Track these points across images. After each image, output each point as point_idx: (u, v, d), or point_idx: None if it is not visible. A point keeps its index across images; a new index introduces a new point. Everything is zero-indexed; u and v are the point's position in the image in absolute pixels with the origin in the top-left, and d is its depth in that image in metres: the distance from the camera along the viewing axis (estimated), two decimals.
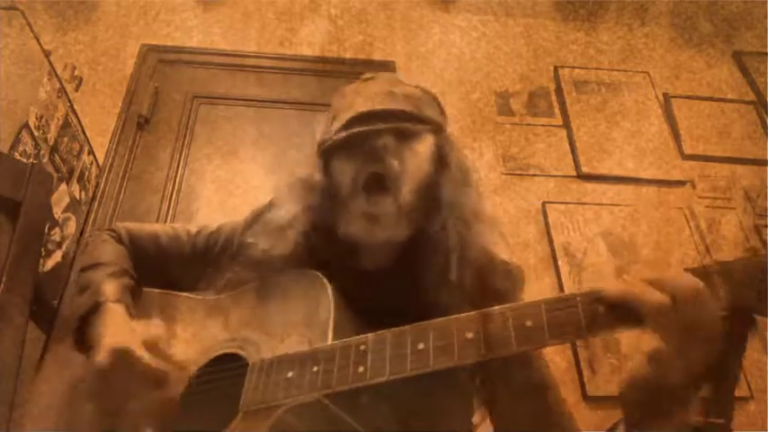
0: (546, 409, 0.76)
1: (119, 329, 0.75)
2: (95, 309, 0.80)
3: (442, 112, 0.87)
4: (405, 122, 0.78)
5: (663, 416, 0.51)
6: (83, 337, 0.79)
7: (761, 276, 0.49)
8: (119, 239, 0.96)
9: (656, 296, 0.50)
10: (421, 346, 0.59)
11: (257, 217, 0.91)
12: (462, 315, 0.59)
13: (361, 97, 0.80)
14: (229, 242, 0.93)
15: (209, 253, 0.93)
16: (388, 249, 0.81)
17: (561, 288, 1.94)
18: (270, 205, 0.90)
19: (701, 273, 0.52)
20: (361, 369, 0.60)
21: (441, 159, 0.82)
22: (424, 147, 0.80)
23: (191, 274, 0.92)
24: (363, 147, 0.76)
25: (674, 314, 0.49)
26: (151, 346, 0.71)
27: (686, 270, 0.53)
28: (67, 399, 0.80)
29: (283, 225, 0.81)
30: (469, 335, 0.57)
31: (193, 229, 0.97)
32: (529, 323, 0.55)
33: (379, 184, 0.76)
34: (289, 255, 0.80)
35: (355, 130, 0.76)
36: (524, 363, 0.78)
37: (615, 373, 1.76)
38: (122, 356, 0.69)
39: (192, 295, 0.88)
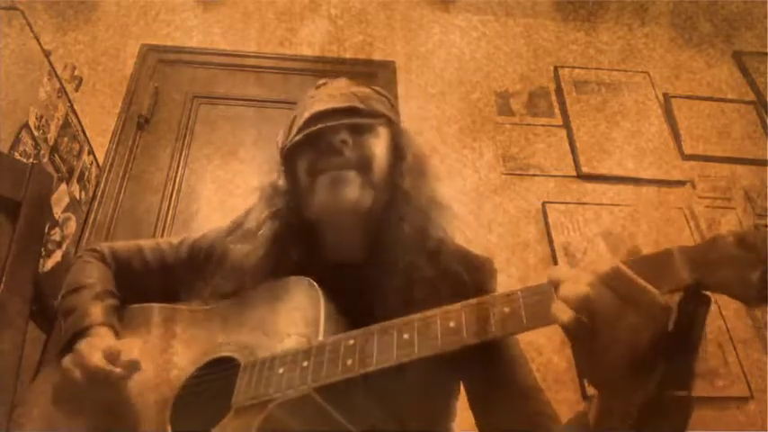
0: (531, 411, 0.78)
1: (95, 343, 0.78)
2: (83, 332, 0.82)
3: (393, 108, 0.91)
4: (358, 117, 0.83)
5: (625, 390, 0.53)
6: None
7: (716, 256, 0.52)
8: (102, 259, 0.97)
9: (568, 314, 0.51)
10: (406, 336, 0.62)
11: (237, 224, 0.94)
12: (447, 306, 0.62)
13: (316, 100, 0.85)
14: (213, 249, 0.94)
15: (194, 261, 0.95)
16: (355, 234, 0.84)
17: None
18: (249, 211, 0.93)
19: (664, 255, 0.54)
20: (349, 362, 0.63)
21: (396, 151, 0.87)
22: (379, 139, 0.84)
23: (177, 285, 0.93)
24: (321, 143, 0.80)
25: (588, 329, 0.51)
26: (110, 354, 0.75)
27: (647, 255, 0.55)
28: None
29: (253, 230, 0.85)
30: (452, 324, 0.60)
31: (175, 240, 0.99)
32: (507, 310, 0.58)
33: (340, 168, 0.80)
34: (263, 258, 0.82)
35: (313, 128, 0.80)
36: (507, 365, 0.81)
37: None
38: (77, 361, 0.75)
39: (184, 307, 0.89)
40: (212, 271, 0.90)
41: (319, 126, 0.80)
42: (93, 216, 1.92)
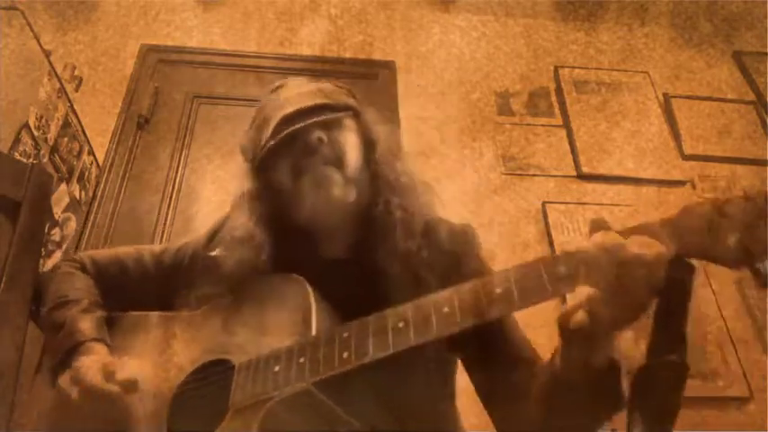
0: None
1: (92, 360, 0.78)
2: (75, 349, 0.81)
3: (356, 98, 0.92)
4: (328, 113, 0.83)
5: (594, 346, 0.57)
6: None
7: (695, 224, 0.54)
8: (83, 269, 0.96)
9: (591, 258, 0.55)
10: (401, 324, 0.62)
11: (215, 232, 0.94)
12: (439, 293, 0.63)
13: (281, 103, 0.85)
14: (195, 257, 0.94)
15: (176, 270, 0.94)
16: (345, 230, 0.85)
17: None
18: (225, 219, 0.93)
19: (647, 228, 0.56)
20: (345, 354, 0.63)
21: (367, 139, 0.87)
22: (350, 132, 0.85)
23: (160, 294, 0.92)
24: (297, 144, 0.81)
25: (602, 274, 0.54)
26: (107, 373, 0.74)
27: (634, 228, 0.57)
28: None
29: (242, 239, 0.84)
30: (446, 309, 0.60)
31: (157, 249, 0.99)
32: (498, 290, 0.59)
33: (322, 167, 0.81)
34: (254, 264, 0.82)
35: (288, 129, 0.80)
36: (502, 331, 0.81)
37: None
38: (77, 379, 0.74)
39: (172, 314, 0.89)
40: (199, 279, 0.89)
41: (294, 127, 0.80)
42: (93, 216, 1.92)
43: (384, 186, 0.84)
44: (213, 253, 0.88)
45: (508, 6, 2.67)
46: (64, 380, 0.78)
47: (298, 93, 0.86)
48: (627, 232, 0.56)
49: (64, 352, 0.82)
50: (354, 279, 0.80)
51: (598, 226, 0.58)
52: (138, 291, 0.94)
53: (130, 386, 0.75)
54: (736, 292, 1.97)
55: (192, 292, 0.87)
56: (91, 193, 1.95)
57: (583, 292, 0.55)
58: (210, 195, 2.04)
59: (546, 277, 0.57)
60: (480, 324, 0.59)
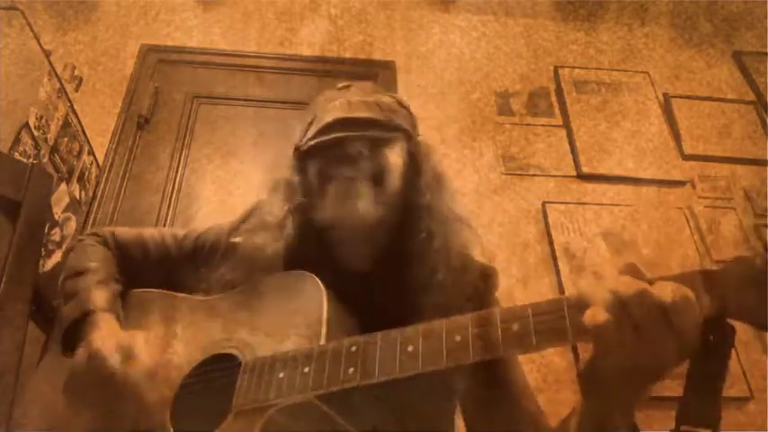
0: (534, 410, 0.78)
1: (106, 335, 0.77)
2: (85, 318, 0.81)
3: (413, 121, 0.90)
4: (377, 130, 0.81)
5: (613, 404, 0.54)
6: (72, 345, 0.79)
7: (743, 283, 0.48)
8: (104, 244, 0.96)
9: (603, 316, 0.50)
10: (410, 348, 0.60)
11: (244, 219, 0.93)
12: (452, 319, 0.60)
13: (338, 104, 0.83)
14: (218, 243, 0.93)
15: (197, 255, 0.94)
16: (367, 246, 0.83)
17: (561, 288, 1.93)
18: (255, 208, 0.92)
19: (687, 277, 0.51)
20: (351, 370, 0.62)
21: (414, 165, 0.85)
22: (396, 153, 0.83)
23: (179, 278, 0.92)
24: (337, 152, 0.79)
25: (615, 332, 0.49)
26: (126, 351, 0.73)
27: (669, 277, 0.52)
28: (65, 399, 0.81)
29: (274, 224, 0.83)
30: (458, 338, 0.58)
31: (180, 233, 0.98)
32: (515, 327, 0.56)
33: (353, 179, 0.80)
34: (280, 253, 0.81)
35: (331, 135, 0.79)
36: (505, 364, 0.81)
37: None
38: (93, 356, 0.73)
39: (189, 296, 0.88)
40: (217, 263, 0.88)
41: (340, 134, 0.79)
42: (93, 216, 1.92)
43: (426, 214, 0.83)
44: (235, 239, 0.87)
45: (508, 6, 2.67)
46: (80, 353, 0.76)
47: (355, 100, 0.84)
48: (661, 279, 0.52)
49: (72, 321, 0.81)
50: (374, 295, 0.79)
51: (631, 270, 0.52)
52: (156, 272, 0.94)
53: (143, 364, 0.73)
54: None
55: (210, 276, 0.86)
56: (91, 193, 1.95)
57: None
58: (210, 195, 2.04)
59: (568, 319, 0.53)
60: (489, 361, 0.57)
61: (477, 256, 0.87)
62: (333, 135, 0.79)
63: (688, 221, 2.13)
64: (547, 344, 0.54)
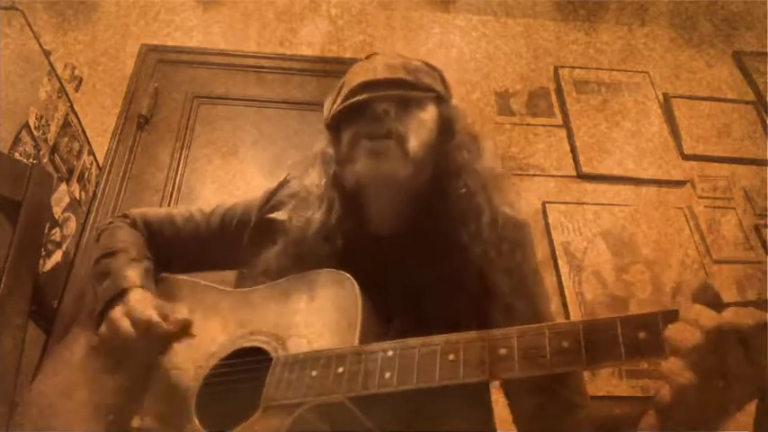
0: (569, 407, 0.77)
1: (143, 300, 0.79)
2: (121, 294, 0.81)
3: (445, 83, 0.90)
4: (404, 89, 0.81)
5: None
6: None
7: None
8: (134, 225, 0.96)
9: (695, 336, 0.48)
10: (451, 357, 0.59)
11: (274, 194, 0.93)
12: (495, 330, 0.58)
13: (363, 70, 0.84)
14: (246, 218, 0.93)
15: (224, 231, 0.94)
16: (396, 205, 0.83)
17: (561, 288, 1.93)
18: (284, 183, 0.93)
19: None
20: (387, 375, 0.60)
21: (446, 127, 0.85)
22: (427, 114, 0.83)
23: (210, 255, 0.93)
24: (365, 114, 0.79)
25: (704, 355, 0.47)
26: (162, 309, 0.76)
27: (746, 302, 0.49)
28: (66, 398, 0.80)
29: (319, 196, 0.84)
30: (503, 351, 0.56)
31: (207, 209, 0.98)
32: (566, 344, 0.53)
33: (380, 137, 0.80)
34: (325, 224, 0.82)
35: (356, 98, 0.79)
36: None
37: (615, 374, 1.76)
38: (128, 312, 0.76)
39: (221, 287, 0.88)
40: (257, 242, 0.88)
41: (364, 96, 0.79)
42: (93, 216, 1.92)
43: (464, 174, 0.83)
44: (277, 215, 0.87)
45: (508, 6, 2.67)
46: (117, 312, 0.77)
47: (384, 63, 0.84)
48: (734, 305, 0.49)
49: (108, 300, 0.81)
50: (407, 261, 0.78)
51: (704, 292, 0.50)
52: (187, 249, 0.95)
53: (184, 325, 0.76)
54: (737, 292, 1.97)
55: (249, 253, 0.86)
56: (91, 193, 1.95)
57: (672, 366, 0.48)
58: (210, 195, 2.04)
59: (621, 338, 0.51)
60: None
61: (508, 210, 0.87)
62: (357, 98, 0.79)
63: (688, 221, 2.13)
64: (597, 363, 0.52)
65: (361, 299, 0.71)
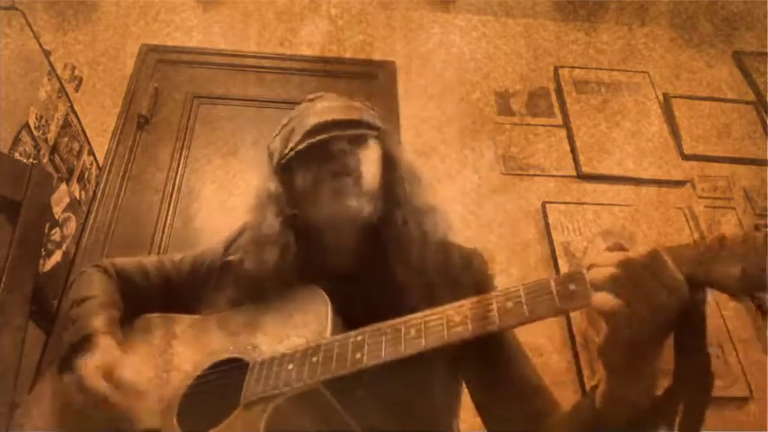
0: (531, 410, 0.79)
1: (105, 358, 0.79)
2: (83, 341, 0.82)
3: (381, 119, 0.95)
4: (355, 128, 0.87)
5: (634, 369, 0.59)
6: (69, 369, 0.81)
7: (707, 256, 0.58)
8: (106, 273, 0.98)
9: (610, 303, 0.56)
10: (413, 332, 0.64)
11: (235, 238, 0.97)
12: (452, 304, 0.65)
13: (313, 113, 0.88)
14: (214, 264, 0.96)
15: (195, 277, 0.97)
16: (353, 243, 0.87)
17: None
18: (244, 228, 0.95)
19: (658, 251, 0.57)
20: (358, 355, 0.65)
21: (389, 159, 0.90)
22: (373, 149, 0.88)
23: (181, 302, 0.94)
24: (321, 153, 0.83)
25: (623, 284, 0.56)
26: (107, 372, 0.76)
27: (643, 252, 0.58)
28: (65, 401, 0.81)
29: (272, 236, 0.86)
30: (457, 318, 0.63)
31: (177, 257, 1.01)
32: (510, 304, 0.61)
33: (340, 174, 0.84)
34: (279, 265, 0.84)
35: (315, 138, 0.83)
36: (506, 363, 0.83)
37: None
38: (76, 379, 0.76)
39: (194, 316, 0.90)
40: (218, 284, 0.91)
41: (323, 135, 0.83)
42: (93, 216, 1.92)
43: (403, 204, 0.87)
44: (231, 258, 0.90)
45: (508, 6, 2.67)
46: (69, 381, 0.79)
47: (330, 105, 0.90)
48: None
49: (71, 345, 0.83)
50: (362, 294, 0.81)
51: (615, 246, 0.60)
52: (158, 297, 0.96)
53: (128, 386, 0.76)
54: None
55: (214, 298, 0.90)
56: (91, 193, 1.95)
57: (602, 298, 0.57)
58: (210, 195, 2.04)
59: (555, 291, 0.60)
60: (488, 339, 0.62)
61: (460, 241, 0.92)
62: (318, 137, 0.83)
63: (688, 221, 2.13)
64: (538, 315, 0.60)
65: (330, 309, 0.74)
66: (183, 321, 0.89)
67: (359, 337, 0.66)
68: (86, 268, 1.01)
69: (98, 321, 0.86)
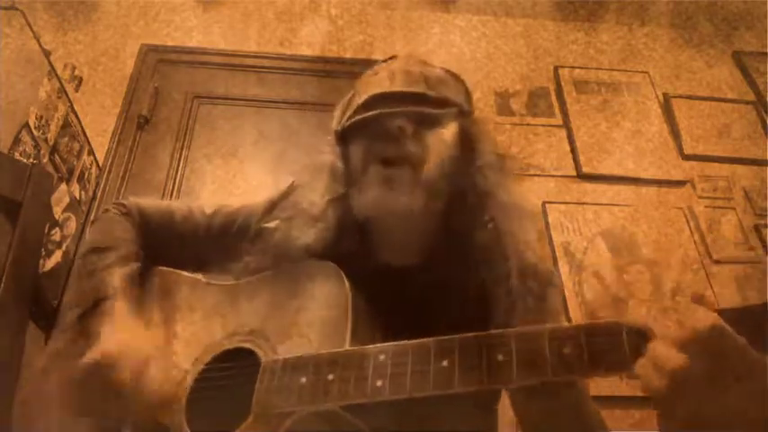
0: (575, 412, 0.72)
1: (116, 335, 0.73)
2: (99, 303, 0.77)
3: (468, 95, 0.82)
4: (422, 105, 0.73)
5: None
6: (83, 330, 0.76)
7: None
8: (129, 214, 0.91)
9: (660, 382, 0.45)
10: (445, 363, 0.55)
11: (276, 203, 0.87)
12: (492, 332, 0.55)
13: (379, 78, 0.77)
14: (246, 226, 0.87)
15: (224, 235, 0.88)
16: (412, 237, 0.77)
17: (561, 288, 1.93)
18: (290, 191, 0.85)
19: (759, 309, 0.48)
20: (379, 383, 0.57)
21: (468, 145, 0.77)
22: (446, 131, 0.75)
23: (206, 255, 0.87)
24: (377, 129, 0.72)
25: (698, 342, 0.45)
26: (134, 364, 0.70)
27: (741, 308, 0.49)
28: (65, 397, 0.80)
29: (312, 215, 0.76)
30: (500, 357, 0.52)
31: (209, 209, 0.91)
32: (567, 350, 0.50)
33: (394, 162, 0.72)
34: (312, 246, 0.75)
35: (369, 113, 0.73)
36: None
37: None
38: (102, 367, 0.69)
39: (206, 279, 0.85)
40: (246, 247, 0.82)
41: (375, 111, 0.72)
42: (93, 216, 1.92)
43: (491, 204, 0.74)
44: (270, 224, 0.80)
45: (508, 6, 2.67)
46: (79, 368, 0.71)
47: (402, 71, 0.77)
48: (734, 312, 0.49)
49: (87, 306, 0.77)
50: (413, 292, 0.72)
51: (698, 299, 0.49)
52: (183, 247, 0.89)
53: (136, 373, 0.70)
54: (736, 292, 1.97)
55: (238, 260, 0.81)
56: (91, 193, 1.95)
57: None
58: (210, 195, 2.04)
59: (627, 344, 0.49)
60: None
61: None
62: (371, 112, 0.72)
63: (688, 221, 2.13)
64: (600, 371, 0.49)
65: (351, 296, 0.67)
66: (199, 289, 0.82)
67: (381, 357, 0.58)
68: (109, 208, 0.93)
69: (116, 281, 0.78)
